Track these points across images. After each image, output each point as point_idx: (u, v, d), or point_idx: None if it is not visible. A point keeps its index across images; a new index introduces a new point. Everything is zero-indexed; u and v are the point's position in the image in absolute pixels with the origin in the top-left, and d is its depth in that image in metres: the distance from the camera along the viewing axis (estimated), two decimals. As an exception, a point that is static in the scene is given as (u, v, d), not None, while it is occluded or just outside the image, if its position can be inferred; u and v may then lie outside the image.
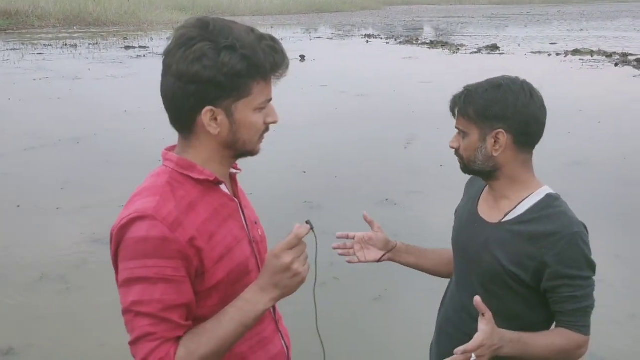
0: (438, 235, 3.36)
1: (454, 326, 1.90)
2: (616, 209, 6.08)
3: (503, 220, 1.79)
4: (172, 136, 1.53)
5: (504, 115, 1.70)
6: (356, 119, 10.05)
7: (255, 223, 1.62)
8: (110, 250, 1.43)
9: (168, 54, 1.40)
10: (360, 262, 2.06)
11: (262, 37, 1.41)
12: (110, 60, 17.33)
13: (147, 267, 1.33)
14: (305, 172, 7.23)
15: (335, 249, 2.05)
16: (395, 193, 6.37)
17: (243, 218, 1.56)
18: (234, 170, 1.59)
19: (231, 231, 1.49)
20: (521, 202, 1.77)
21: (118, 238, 1.38)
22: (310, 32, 28.38)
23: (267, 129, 1.51)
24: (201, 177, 1.45)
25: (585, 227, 1.73)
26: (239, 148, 1.47)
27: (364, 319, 4.14)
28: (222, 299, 1.45)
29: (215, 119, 1.41)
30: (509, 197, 1.79)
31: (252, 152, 1.51)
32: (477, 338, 1.56)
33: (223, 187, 1.53)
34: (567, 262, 1.67)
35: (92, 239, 5.35)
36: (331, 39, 25.05)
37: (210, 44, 1.36)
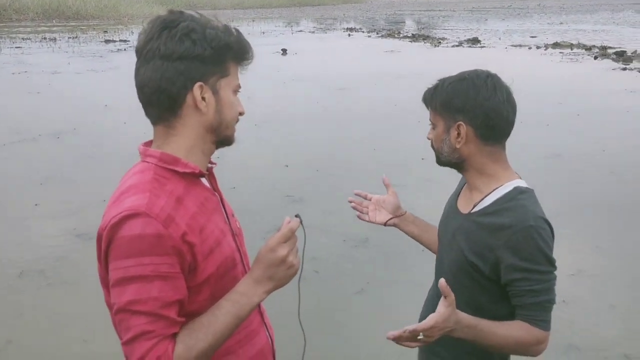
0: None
1: (431, 312, 1.92)
2: (596, 200, 6.15)
3: (471, 211, 1.80)
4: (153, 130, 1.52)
5: (463, 107, 1.71)
6: (338, 113, 10.06)
7: (233, 216, 1.64)
8: (99, 250, 1.40)
9: (150, 40, 1.41)
10: (369, 221, 2.16)
11: (227, 25, 1.48)
12: (90, 54, 17.18)
13: (143, 265, 1.32)
14: (287, 166, 7.22)
15: (350, 202, 2.18)
16: (378, 187, 6.35)
17: (224, 211, 1.58)
18: (210, 164, 1.60)
19: (217, 224, 1.49)
20: (489, 193, 1.78)
21: (109, 237, 1.35)
22: (291, 26, 28.33)
23: (237, 120, 1.55)
24: (187, 170, 1.45)
25: (548, 223, 1.70)
26: (222, 132, 1.50)
27: (345, 313, 4.15)
28: (212, 293, 1.45)
29: (203, 98, 1.44)
30: (479, 189, 1.80)
31: (230, 139, 1.54)
32: (431, 319, 1.54)
33: (204, 180, 1.53)
34: (522, 255, 1.65)
35: (73, 234, 5.30)
36: (313, 32, 25.03)
37: (194, 23, 1.41)
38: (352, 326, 3.99)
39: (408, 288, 4.27)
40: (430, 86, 1.81)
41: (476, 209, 1.79)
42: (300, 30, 25.73)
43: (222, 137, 1.52)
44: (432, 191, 5.93)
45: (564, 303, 4.07)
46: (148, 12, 32.50)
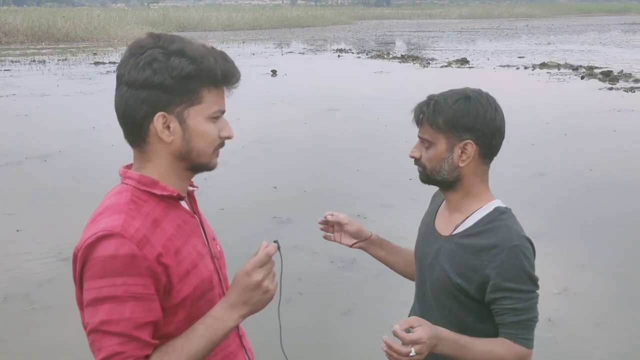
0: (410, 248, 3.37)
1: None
2: (582, 219, 6.17)
3: (453, 233, 1.81)
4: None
5: (473, 126, 1.71)
6: (326, 134, 10.09)
7: (214, 239, 1.63)
8: (74, 270, 1.41)
9: (120, 65, 1.42)
10: (335, 241, 2.12)
11: (212, 49, 1.45)
12: (80, 76, 17.17)
13: (116, 286, 1.32)
14: (275, 188, 7.22)
15: (320, 223, 2.13)
16: (365, 207, 6.39)
17: (204, 234, 1.58)
18: (191, 188, 1.60)
19: (195, 247, 1.50)
20: (471, 215, 1.79)
21: (84, 257, 1.35)
22: (282, 47, 28.47)
23: (222, 144, 1.52)
24: (164, 193, 1.45)
25: (530, 242, 1.73)
26: (193, 159, 1.47)
27: (332, 334, 4.13)
28: (188, 315, 1.45)
29: (168, 127, 1.42)
30: (461, 210, 1.81)
31: (208, 165, 1.51)
32: (416, 333, 1.57)
33: (183, 203, 1.54)
34: (507, 275, 1.67)
35: (58, 257, 5.27)
36: (303, 53, 25.14)
37: (160, 50, 1.39)
38: (338, 347, 3.97)
39: (396, 308, 4.24)
40: (422, 101, 1.79)
41: (458, 230, 1.80)
42: (291, 52, 25.86)
43: (195, 165, 1.50)
44: (418, 211, 5.92)
45: (549, 322, 4.07)
46: (138, 34, 32.57)
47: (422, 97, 1.83)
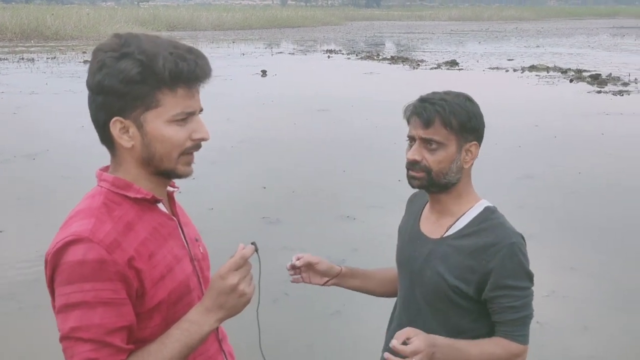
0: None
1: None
2: (570, 222, 6.20)
3: (445, 235, 1.81)
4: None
5: (478, 127, 1.76)
6: (316, 134, 10.08)
7: (197, 240, 1.61)
8: (45, 276, 1.39)
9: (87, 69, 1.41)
10: (305, 282, 2.03)
11: (175, 47, 1.37)
12: (69, 75, 17.06)
13: (84, 292, 1.30)
14: (265, 188, 7.20)
15: (288, 268, 2.01)
16: (354, 208, 6.39)
17: (183, 236, 1.55)
18: (172, 189, 1.57)
19: (171, 250, 1.47)
20: (461, 216, 1.80)
21: (53, 263, 1.34)
22: (272, 47, 28.43)
23: (196, 146, 1.45)
24: (138, 196, 1.43)
25: (523, 238, 1.76)
26: (157, 164, 1.42)
27: (320, 335, 4.11)
28: (164, 319, 1.43)
29: (127, 131, 1.39)
30: (451, 212, 1.82)
31: (174, 171, 1.45)
32: (414, 344, 1.57)
33: (161, 205, 1.51)
34: (506, 272, 1.70)
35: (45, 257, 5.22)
36: (293, 54, 25.12)
37: (112, 53, 1.35)
38: (327, 349, 3.96)
39: (387, 309, 4.24)
40: (430, 101, 1.73)
41: (449, 232, 1.79)
42: (280, 52, 25.82)
43: (161, 170, 1.44)
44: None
45: (537, 324, 4.08)
46: (129, 32, 32.41)
47: (413, 99, 1.81)
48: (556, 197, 6.97)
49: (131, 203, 1.43)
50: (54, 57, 22.00)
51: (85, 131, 10.07)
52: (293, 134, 10.15)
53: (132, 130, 1.39)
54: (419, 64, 20.43)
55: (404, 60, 21.73)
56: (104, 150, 1.49)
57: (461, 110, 1.72)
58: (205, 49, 24.26)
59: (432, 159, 1.73)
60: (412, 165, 1.76)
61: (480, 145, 1.80)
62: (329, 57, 23.57)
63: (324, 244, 5.30)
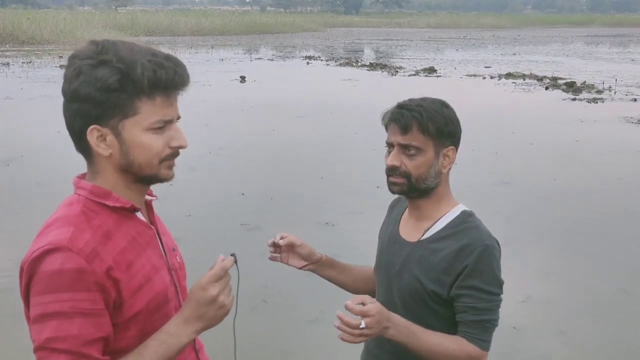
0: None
1: (379, 346, 1.91)
2: (546, 228, 6.27)
3: (422, 239, 1.82)
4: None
5: (455, 132, 1.79)
6: (295, 140, 10.08)
7: (174, 250, 1.59)
8: (20, 285, 1.36)
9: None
10: (282, 262, 2.02)
11: (153, 55, 1.36)
12: (45, 80, 16.87)
13: (62, 302, 1.28)
14: (243, 194, 7.18)
15: (269, 245, 2.00)
16: (333, 214, 6.40)
17: (161, 246, 1.53)
18: (150, 197, 1.55)
19: (150, 259, 1.45)
20: (438, 219, 1.82)
21: (30, 271, 1.31)
22: (251, 53, 28.41)
23: (174, 154, 1.44)
24: (117, 205, 1.41)
25: (498, 243, 1.78)
26: (135, 172, 1.41)
27: (298, 343, 4.11)
28: (141, 330, 1.41)
29: (105, 139, 1.38)
30: (430, 216, 1.84)
31: (157, 177, 1.44)
32: (366, 306, 1.59)
33: (139, 214, 1.49)
34: (475, 273, 1.70)
35: (19, 264, 5.14)
36: (272, 60, 25.12)
37: (89, 61, 1.33)
38: (299, 355, 3.95)
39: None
40: (407, 107, 1.75)
41: (426, 235, 1.82)
42: (260, 58, 25.81)
43: (141, 177, 1.43)
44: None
45: (513, 330, 4.12)
46: (105, 37, 32.17)
47: (391, 105, 1.82)
48: (532, 203, 7.04)
49: (109, 212, 1.41)
50: (30, 62, 21.76)
51: (61, 137, 9.92)
52: (272, 140, 10.14)
53: (110, 138, 1.37)
54: (397, 71, 20.55)
55: (383, 66, 21.85)
56: (80, 158, 1.47)
57: (438, 115, 1.75)
58: (184, 55, 24.19)
59: (411, 165, 1.75)
60: (391, 171, 1.78)
61: (457, 150, 1.82)
62: (308, 63, 23.61)
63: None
